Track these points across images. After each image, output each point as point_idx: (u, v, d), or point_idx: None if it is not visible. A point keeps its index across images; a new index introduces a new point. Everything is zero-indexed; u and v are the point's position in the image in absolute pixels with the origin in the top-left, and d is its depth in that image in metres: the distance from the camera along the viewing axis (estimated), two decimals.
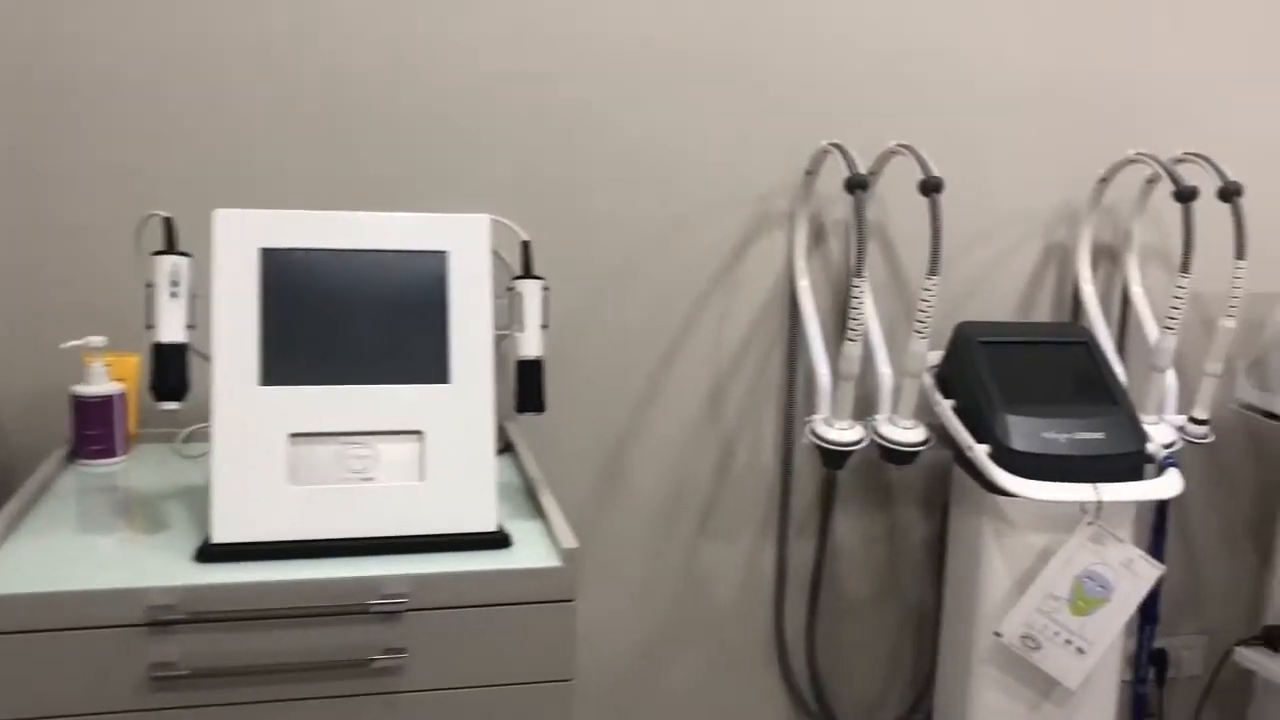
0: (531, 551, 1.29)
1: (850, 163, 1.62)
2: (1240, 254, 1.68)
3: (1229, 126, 1.94)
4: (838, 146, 1.67)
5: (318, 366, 1.28)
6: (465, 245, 1.33)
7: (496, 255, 1.66)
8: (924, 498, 1.96)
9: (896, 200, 1.84)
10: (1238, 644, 1.98)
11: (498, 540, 1.29)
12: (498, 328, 1.47)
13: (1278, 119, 1.95)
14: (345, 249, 1.31)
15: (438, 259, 1.32)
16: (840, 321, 1.86)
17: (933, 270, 1.59)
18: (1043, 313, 1.95)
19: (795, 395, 1.88)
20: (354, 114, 1.65)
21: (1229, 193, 1.68)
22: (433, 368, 1.30)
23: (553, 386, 1.79)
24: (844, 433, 1.67)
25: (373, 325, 1.30)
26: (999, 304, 1.93)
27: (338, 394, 1.27)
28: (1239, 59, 1.93)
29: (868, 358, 1.79)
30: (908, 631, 2.00)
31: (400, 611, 1.21)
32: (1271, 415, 1.86)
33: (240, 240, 1.27)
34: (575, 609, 1.25)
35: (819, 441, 1.68)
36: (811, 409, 1.84)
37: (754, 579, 1.94)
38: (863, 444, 1.68)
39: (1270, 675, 1.90)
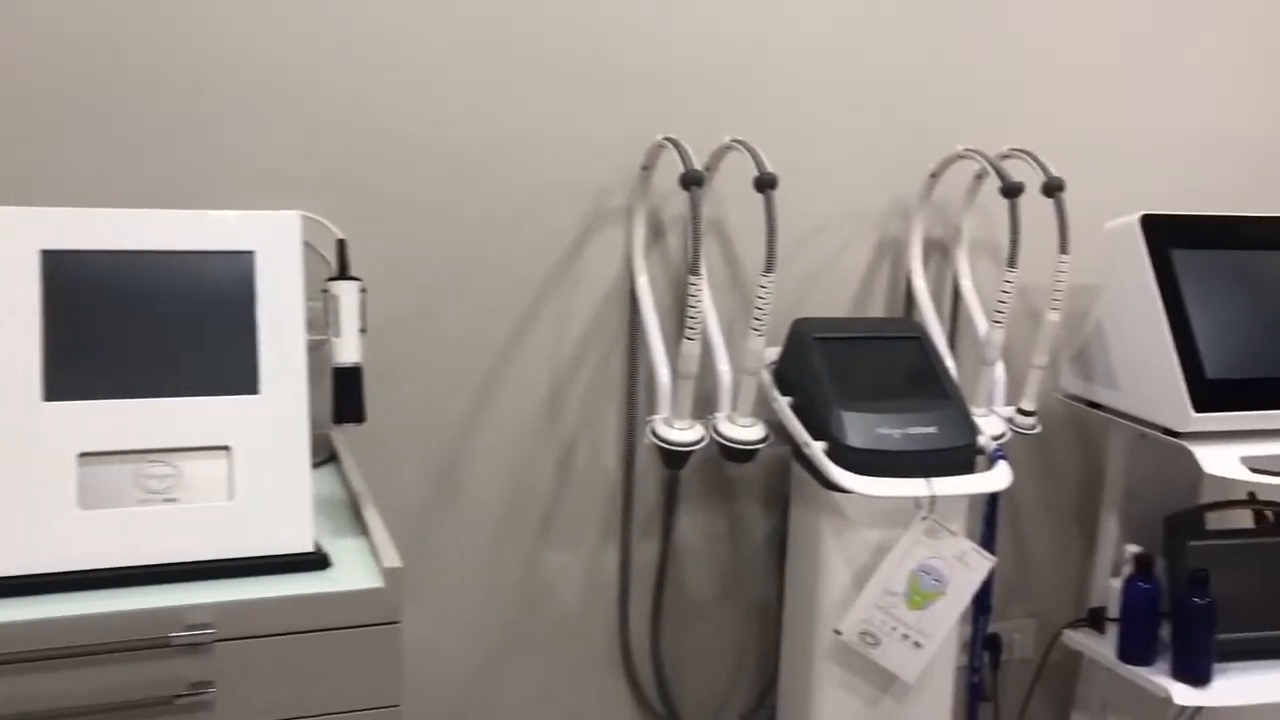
0: (352, 571, 1.21)
1: (685, 158, 1.58)
2: (1063, 248, 1.72)
3: (1053, 123, 1.99)
4: (672, 141, 1.64)
5: (110, 378, 1.17)
6: (274, 245, 1.24)
7: (320, 255, 1.56)
8: (766, 494, 1.96)
9: (734, 196, 1.82)
10: (1065, 626, 2.04)
11: (315, 561, 1.21)
12: (314, 333, 1.38)
13: (1099, 116, 2.02)
14: (139, 250, 1.20)
15: (244, 260, 1.23)
16: (681, 319, 1.84)
17: (769, 267, 1.57)
18: (878, 307, 1.96)
19: (636, 395, 1.84)
20: (150, 105, 1.53)
21: (1052, 188, 1.71)
22: (240, 377, 1.21)
23: (381, 392, 1.71)
24: (683, 433, 1.65)
25: (172, 333, 1.20)
26: (836, 299, 1.94)
27: (133, 408, 1.17)
28: (1062, 58, 1.98)
29: (707, 355, 1.76)
30: (752, 628, 2.00)
31: (206, 643, 1.12)
32: (1094, 404, 1.92)
33: (17, 241, 1.16)
34: (400, 631, 1.18)
35: (659, 442, 1.65)
36: (654, 408, 1.81)
37: (597, 583, 1.90)
38: (702, 444, 1.65)
39: (1095, 655, 1.96)
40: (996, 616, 2.14)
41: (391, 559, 1.19)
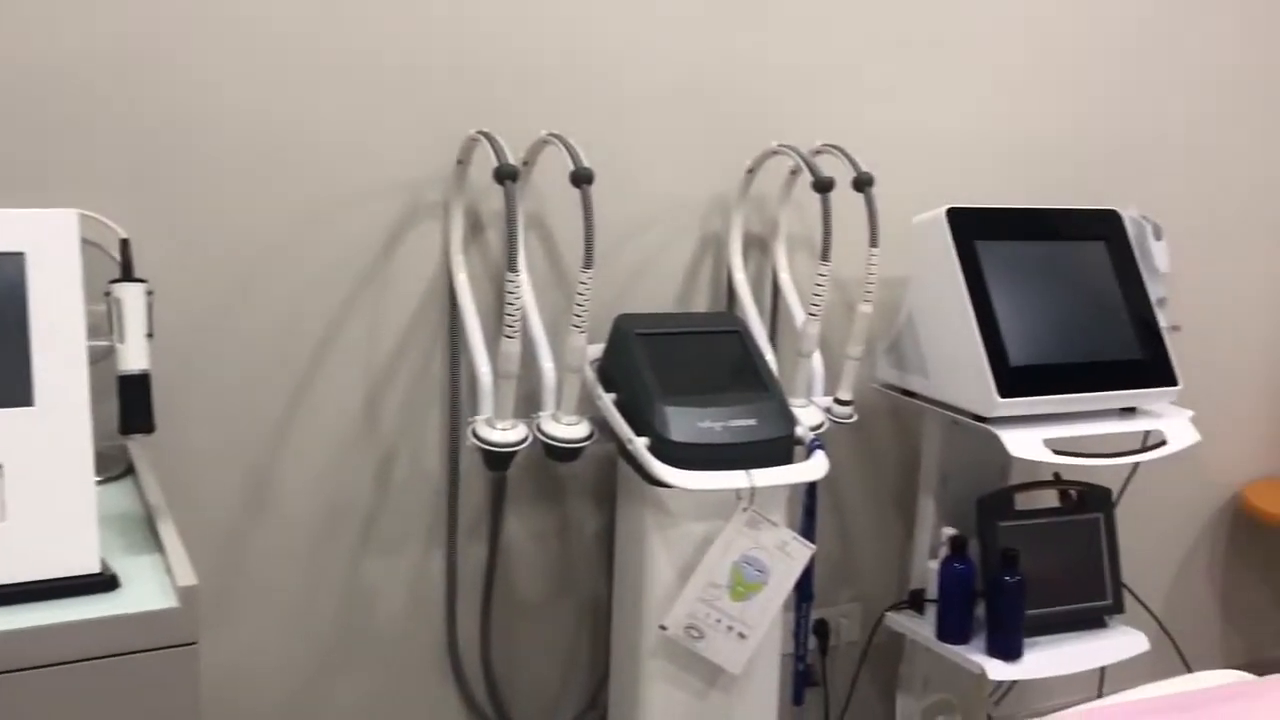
0: (145, 592, 1.14)
1: (499, 152, 1.55)
2: (873, 241, 1.76)
3: (865, 120, 2.04)
4: (486, 135, 1.60)
5: None
6: (48, 246, 1.15)
7: (110, 257, 1.47)
8: (596, 491, 1.94)
9: (555, 192, 1.80)
10: (888, 609, 2.10)
11: (101, 582, 1.13)
12: (98, 339, 1.29)
13: (908, 114, 2.08)
14: None
15: (14, 262, 1.14)
16: (502, 316, 1.80)
17: (587, 263, 1.55)
18: (701, 301, 1.98)
19: (459, 395, 1.80)
20: None
21: (861, 183, 1.75)
22: (12, 389, 1.12)
23: (182, 399, 1.62)
24: (505, 433, 1.61)
25: None
26: (660, 294, 1.94)
27: None
28: (874, 57, 2.03)
29: (530, 354, 1.74)
30: (584, 627, 1.98)
31: None
32: (909, 393, 1.98)
33: None
34: (198, 653, 1.11)
35: (480, 443, 1.61)
36: (476, 409, 1.77)
37: (423, 589, 1.85)
38: (526, 443, 1.63)
39: (915, 636, 2.03)
40: (824, 602, 2.18)
41: (187, 577, 1.12)
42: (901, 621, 2.06)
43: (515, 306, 1.53)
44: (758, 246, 2.00)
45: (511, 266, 1.52)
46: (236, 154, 1.60)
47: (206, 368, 1.63)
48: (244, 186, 1.62)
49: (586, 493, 1.94)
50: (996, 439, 1.80)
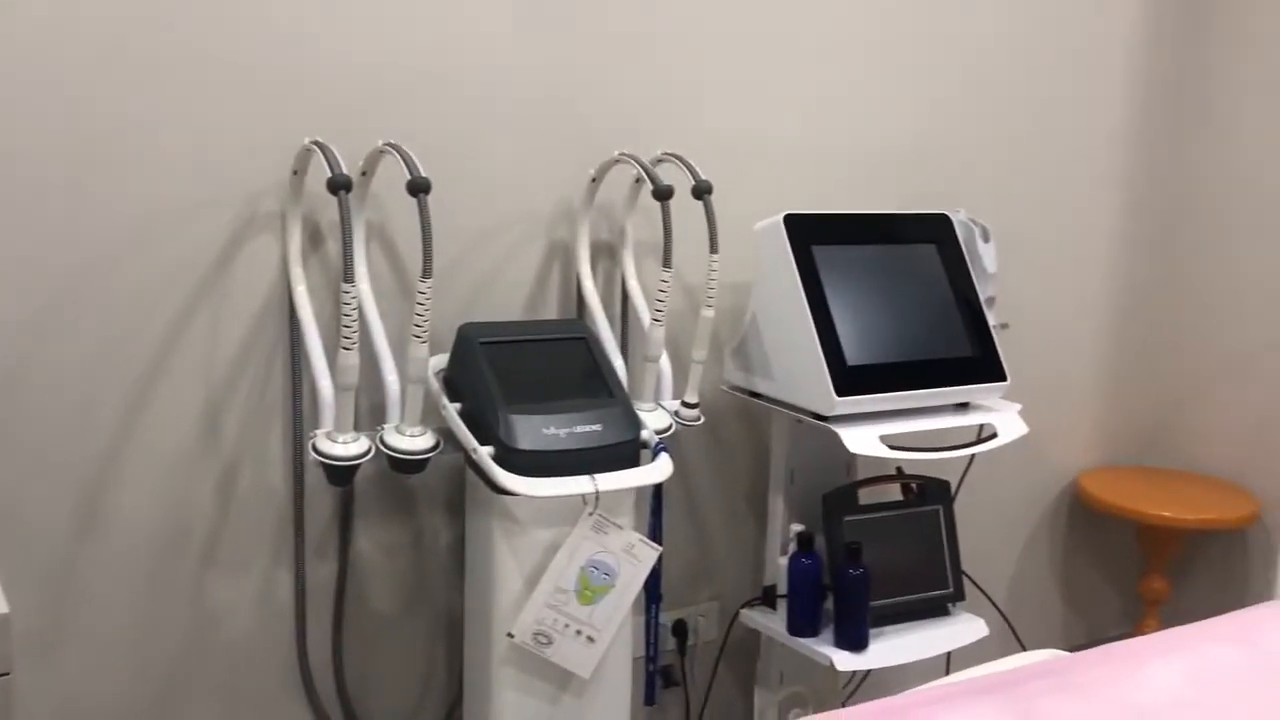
0: None
1: (332, 162, 1.54)
2: (713, 248, 1.80)
3: (705, 127, 2.08)
4: (320, 145, 1.58)
5: None
6: None
7: None
8: (447, 502, 1.93)
9: (396, 202, 1.79)
10: (743, 606, 2.14)
11: None
12: None
13: (748, 120, 2.13)
14: None
15: None
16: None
17: (426, 272, 1.55)
18: (551, 310, 1.99)
19: (301, 409, 1.77)
20: None
21: (700, 191, 1.79)
22: None
23: (5, 415, 1.56)
24: (347, 447, 1.60)
25: None
26: (509, 304, 1.94)
27: None
28: (715, 63, 2.07)
29: (374, 365, 1.72)
30: (440, 640, 1.97)
31: None
32: (755, 394, 2.03)
33: None
34: (11, 684, 1.07)
35: (321, 458, 1.59)
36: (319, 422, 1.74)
37: (271, 607, 1.81)
38: (368, 457, 1.61)
39: (769, 631, 2.07)
40: (682, 602, 2.22)
41: None
42: (755, 618, 2.10)
43: (352, 318, 1.52)
44: (606, 254, 2.02)
45: (347, 277, 1.51)
46: (64, 162, 1.55)
47: (34, 381, 1.57)
48: (72, 196, 1.56)
49: (438, 504, 1.93)
50: (836, 436, 1.86)
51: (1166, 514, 2.51)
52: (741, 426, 2.24)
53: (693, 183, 1.80)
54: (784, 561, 2.04)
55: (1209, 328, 2.69)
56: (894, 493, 2.16)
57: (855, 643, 1.96)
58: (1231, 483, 2.66)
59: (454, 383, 1.73)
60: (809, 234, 1.91)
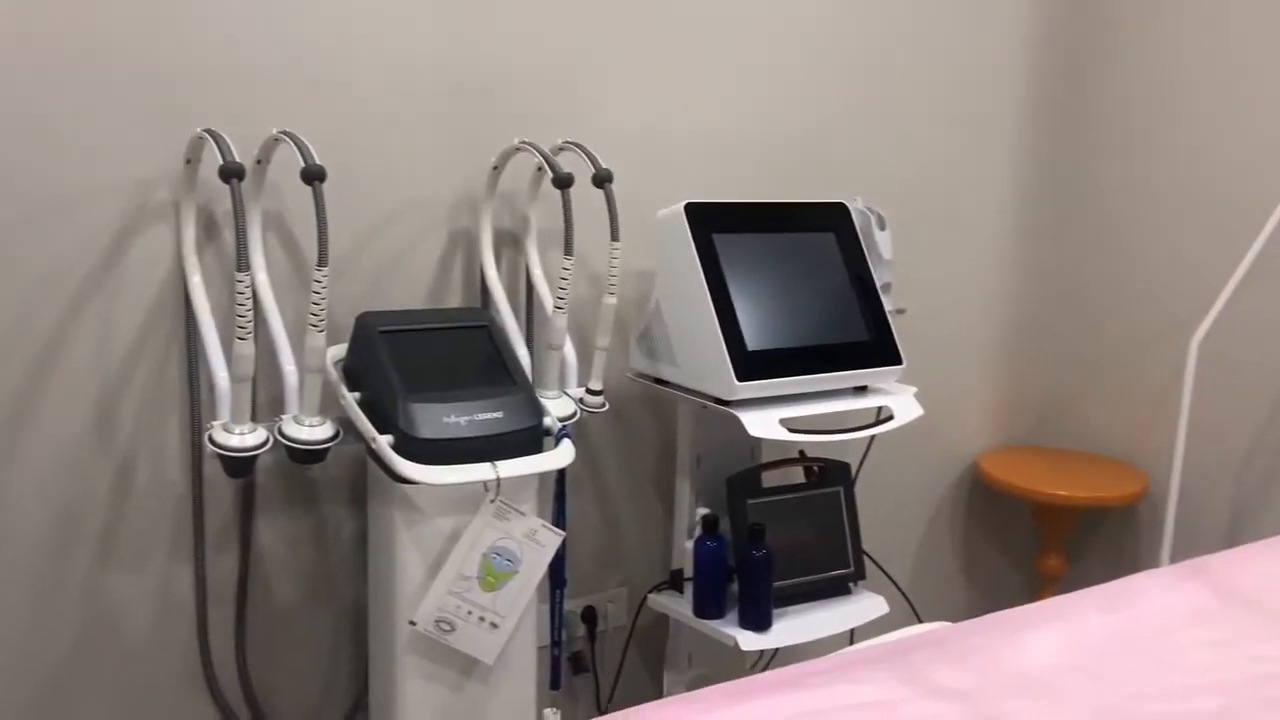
0: None
1: (224, 150, 1.52)
2: (614, 235, 1.82)
3: (608, 117, 2.09)
4: (211, 133, 1.56)
5: None
6: None
7: None
8: (350, 494, 1.92)
9: (294, 192, 1.77)
10: (650, 590, 2.17)
11: None
12: None
13: (652, 109, 2.15)
14: None
15: None
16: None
17: (322, 260, 1.54)
18: (454, 299, 1.99)
19: (198, 400, 1.75)
20: None
21: (600, 179, 1.81)
22: None
23: None
24: (244, 438, 1.58)
25: None
26: (411, 293, 1.94)
27: None
28: (618, 52, 2.09)
29: (272, 356, 1.71)
30: (345, 631, 1.96)
31: None
32: (661, 381, 2.05)
33: None
34: None
35: (217, 449, 1.58)
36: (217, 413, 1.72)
37: (171, 602, 1.79)
38: (265, 448, 1.60)
39: (676, 614, 2.10)
40: (592, 589, 2.23)
41: None
42: (663, 601, 2.13)
43: (246, 307, 1.51)
44: (510, 243, 2.02)
45: (241, 266, 1.50)
46: None
47: None
48: None
49: (340, 496, 1.92)
50: (739, 421, 1.89)
51: (1061, 492, 2.59)
52: (648, 414, 2.26)
53: (593, 171, 1.81)
54: (690, 545, 2.07)
55: (1100, 313, 2.79)
56: (796, 475, 2.20)
57: (759, 623, 2.00)
58: (1122, 461, 2.77)
59: (353, 372, 1.72)
60: (710, 223, 1.93)
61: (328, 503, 1.91)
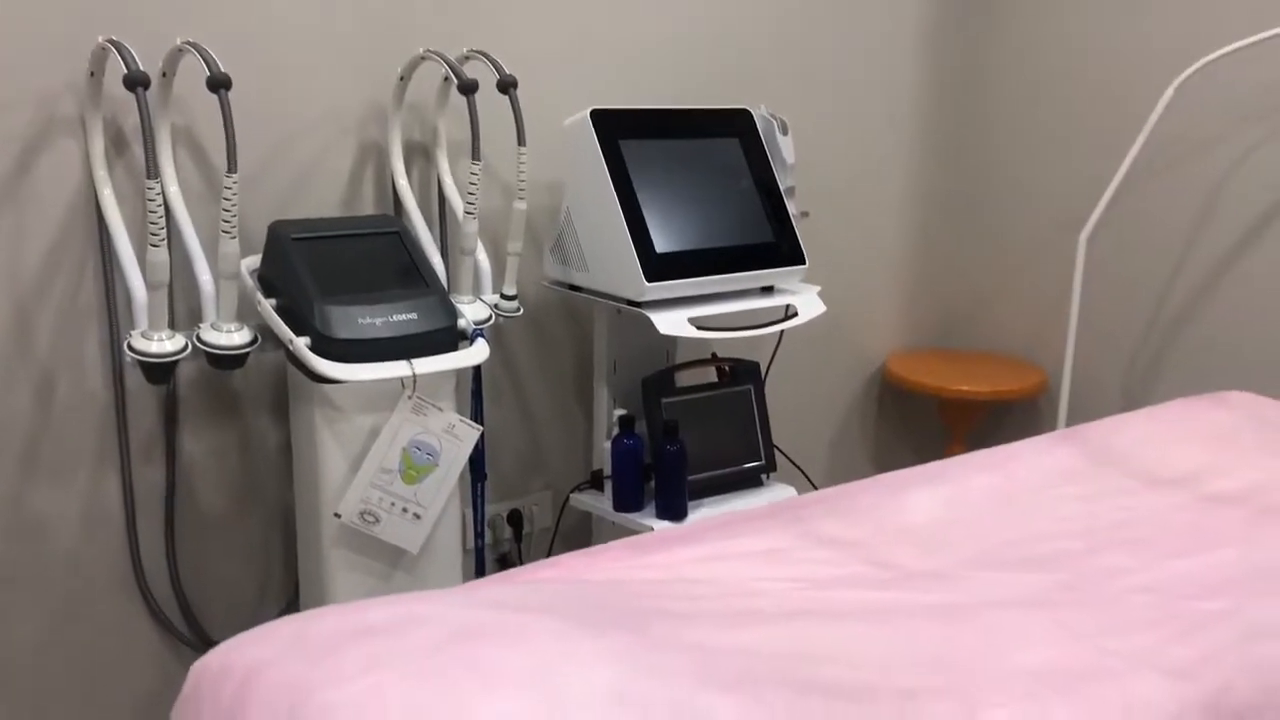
0: None
1: (128, 59, 1.54)
2: (521, 141, 1.87)
3: (513, 24, 2.12)
4: (114, 43, 1.58)
5: None
6: None
7: None
8: (275, 404, 1.97)
9: (202, 104, 1.79)
10: (572, 491, 2.25)
11: None
12: None
13: (557, 17, 2.18)
14: None
15: None
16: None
17: (231, 167, 1.57)
18: (367, 208, 2.02)
19: (115, 312, 1.78)
20: None
21: (505, 85, 1.85)
22: None
23: None
24: (162, 344, 1.62)
25: None
26: (323, 203, 1.97)
27: None
28: None
29: (188, 267, 1.74)
30: (275, 533, 2.02)
31: None
32: (575, 287, 2.11)
33: None
34: None
35: (137, 356, 1.61)
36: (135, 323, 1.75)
37: (99, 513, 1.83)
38: (184, 353, 1.64)
39: (597, 511, 2.19)
40: (517, 493, 2.31)
41: None
42: (585, 500, 2.22)
43: (158, 214, 1.54)
44: (421, 154, 2.06)
45: (150, 174, 1.52)
46: None
47: None
48: None
49: (264, 406, 1.96)
50: (650, 323, 1.96)
51: (965, 388, 2.72)
52: (566, 322, 2.33)
53: (498, 78, 1.85)
54: (608, 445, 2.15)
55: (998, 219, 2.91)
56: (710, 375, 2.29)
57: (675, 513, 2.09)
58: (1023, 359, 2.90)
59: (268, 280, 1.76)
60: (616, 129, 1.99)
61: (251, 414, 1.95)
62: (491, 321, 1.92)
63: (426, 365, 1.68)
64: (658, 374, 2.17)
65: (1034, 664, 1.03)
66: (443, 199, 2.07)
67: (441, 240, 2.07)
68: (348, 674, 0.88)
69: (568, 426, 2.38)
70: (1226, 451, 1.64)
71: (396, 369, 1.65)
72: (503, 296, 1.99)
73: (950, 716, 0.92)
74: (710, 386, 2.24)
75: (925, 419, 3.01)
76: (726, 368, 2.27)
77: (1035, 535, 1.36)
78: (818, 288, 2.18)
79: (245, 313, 1.72)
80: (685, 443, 2.09)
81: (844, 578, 1.18)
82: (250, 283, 1.75)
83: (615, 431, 2.13)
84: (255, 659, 0.95)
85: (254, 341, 1.70)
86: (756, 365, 2.28)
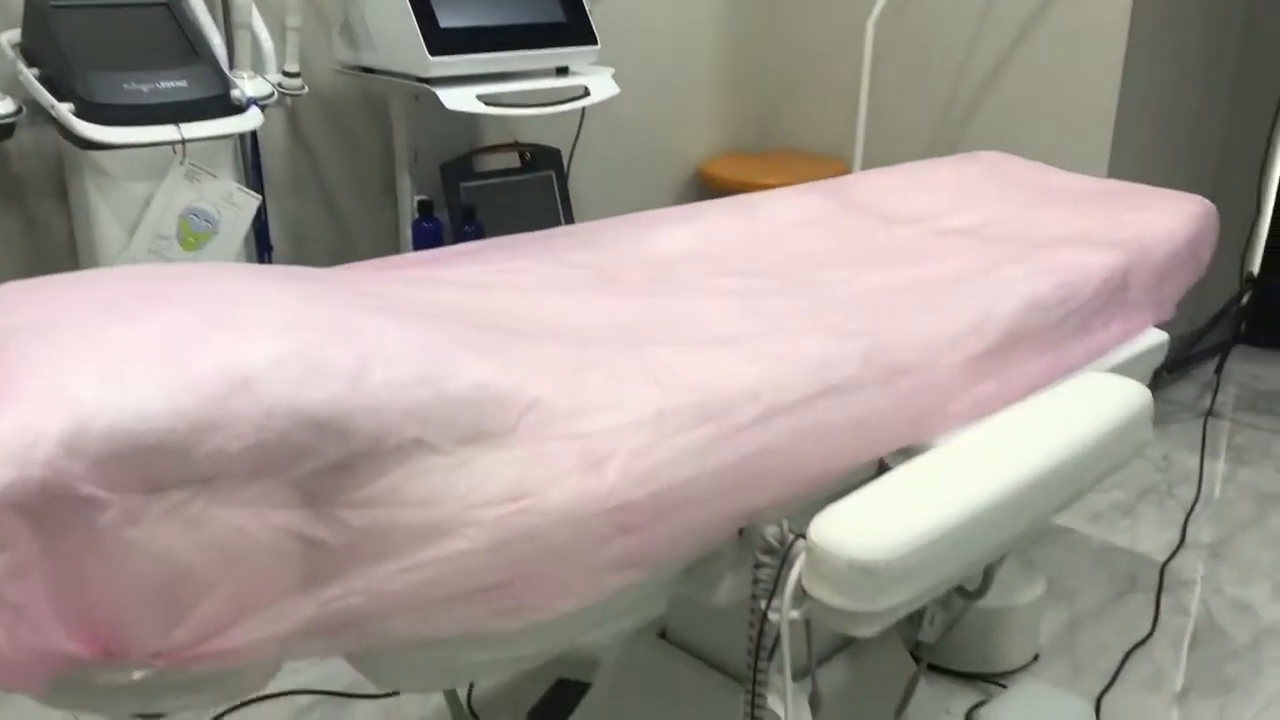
0: None
1: None
2: None
3: None
4: None
5: None
6: None
7: None
8: (58, 192, 1.95)
9: None
10: None
11: None
12: None
13: None
14: None
15: None
16: None
17: None
18: None
19: None
20: None
21: None
22: None
23: None
24: None
25: None
26: None
27: None
28: None
29: None
30: None
31: None
32: (365, 69, 2.11)
33: None
34: None
35: None
36: None
37: None
38: None
39: None
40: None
41: None
42: None
43: None
44: None
45: None
46: None
47: None
48: None
49: (47, 194, 1.94)
50: (436, 98, 1.99)
51: (770, 181, 2.82)
52: (366, 114, 2.33)
53: None
54: (411, 230, 2.19)
55: (795, 17, 2.97)
56: (512, 161, 2.33)
57: None
58: (828, 156, 3.02)
59: (31, 51, 1.72)
60: None
61: (34, 201, 1.93)
62: (274, 98, 1.92)
63: (196, 130, 1.68)
64: (457, 159, 2.20)
65: (716, 331, 1.14)
66: None
67: (226, 18, 2.04)
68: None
69: (375, 217, 2.41)
70: (965, 197, 1.77)
71: (163, 134, 1.66)
72: (285, 74, 1.99)
73: (619, 355, 1.02)
74: (512, 171, 2.29)
75: None
76: (527, 154, 2.32)
77: (768, 261, 1.47)
78: (611, 70, 2.23)
79: (11, 87, 1.69)
80: (484, 225, 2.15)
81: (564, 280, 1.27)
82: (11, 54, 1.71)
83: (415, 216, 2.17)
84: None
85: (19, 111, 1.68)
86: (557, 151, 2.33)
